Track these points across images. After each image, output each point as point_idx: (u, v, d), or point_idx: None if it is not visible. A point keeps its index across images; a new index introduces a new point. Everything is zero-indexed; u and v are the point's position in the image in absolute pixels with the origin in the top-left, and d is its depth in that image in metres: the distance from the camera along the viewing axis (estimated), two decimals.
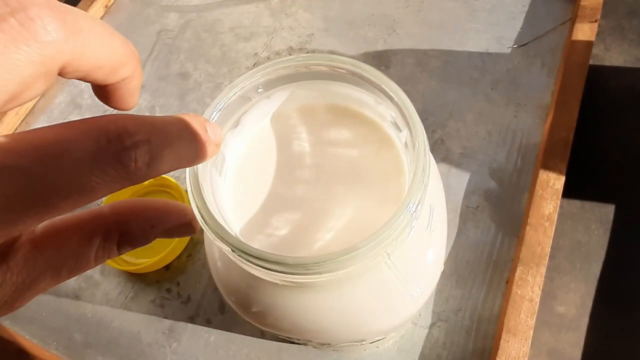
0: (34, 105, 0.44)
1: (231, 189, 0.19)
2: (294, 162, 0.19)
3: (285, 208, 0.18)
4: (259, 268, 0.14)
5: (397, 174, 0.18)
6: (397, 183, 0.18)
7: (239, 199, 0.19)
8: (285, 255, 0.14)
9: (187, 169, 0.16)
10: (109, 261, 0.34)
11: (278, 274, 0.14)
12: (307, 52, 0.44)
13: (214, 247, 0.19)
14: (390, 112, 0.17)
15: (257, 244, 0.17)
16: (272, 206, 0.18)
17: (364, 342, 0.20)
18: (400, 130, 0.17)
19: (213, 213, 0.15)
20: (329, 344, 0.20)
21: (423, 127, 0.15)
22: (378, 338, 0.20)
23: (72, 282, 0.36)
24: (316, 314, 0.17)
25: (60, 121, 0.44)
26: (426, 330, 0.31)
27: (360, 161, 0.18)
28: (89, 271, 0.36)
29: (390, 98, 0.16)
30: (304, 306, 0.16)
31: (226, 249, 0.14)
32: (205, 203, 0.15)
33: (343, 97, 0.19)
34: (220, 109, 0.17)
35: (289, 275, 0.14)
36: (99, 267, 0.36)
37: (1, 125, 0.42)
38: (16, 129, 0.43)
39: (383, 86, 0.16)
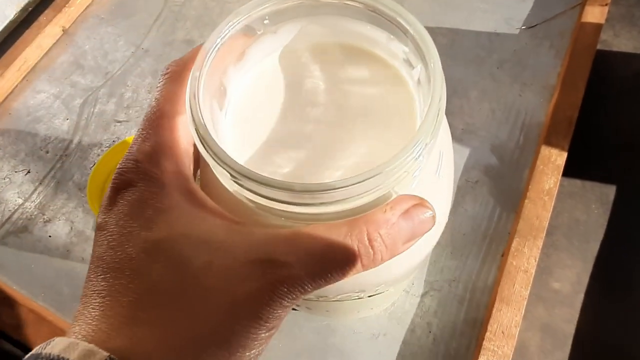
0: (36, 64, 0.44)
1: (232, 125, 0.19)
2: (300, 100, 0.18)
3: (292, 146, 0.17)
4: (261, 198, 0.14)
5: (409, 113, 0.17)
6: (409, 122, 0.17)
7: (241, 136, 0.18)
8: (292, 181, 0.13)
9: (187, 96, 0.15)
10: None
11: (283, 204, 0.14)
12: None
13: (214, 191, 0.18)
14: (403, 47, 0.17)
15: None
16: (278, 143, 0.18)
17: (362, 294, 0.19)
18: (413, 67, 0.16)
19: (212, 136, 0.14)
20: (325, 296, 0.19)
21: (440, 62, 0.15)
22: (378, 291, 0.19)
23: (63, 237, 0.35)
24: None
25: (62, 80, 0.44)
26: (418, 299, 0.31)
27: (370, 100, 0.18)
28: (80, 226, 0.36)
29: (406, 31, 0.15)
30: None
31: (226, 174, 0.14)
32: (204, 124, 0.14)
33: (354, 35, 0.18)
34: (223, 38, 0.17)
35: (295, 207, 0.14)
36: (90, 222, 0.36)
37: (2, 79, 0.42)
38: (16, 86, 0.43)
39: (399, 19, 0.15)
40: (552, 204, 0.31)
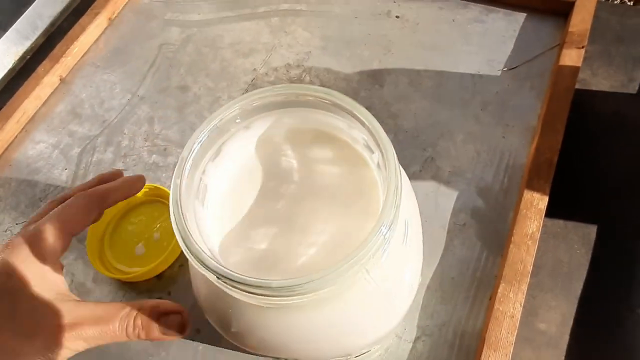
0: (35, 114, 0.45)
1: (214, 213, 0.20)
2: (275, 181, 0.20)
3: (267, 222, 0.19)
4: (243, 293, 0.15)
5: (372, 191, 0.19)
6: (373, 199, 0.18)
7: (220, 219, 0.20)
8: (269, 279, 0.14)
9: (170, 204, 0.17)
10: (101, 269, 0.35)
11: (262, 297, 0.15)
12: (304, 70, 0.45)
13: (199, 283, 0.20)
14: (362, 135, 0.18)
15: (237, 257, 0.18)
16: (255, 221, 0.19)
17: (349, 358, 0.21)
18: (373, 152, 0.18)
19: (197, 241, 0.15)
20: None
21: (393, 149, 0.16)
22: (363, 351, 0.20)
23: None
24: (300, 333, 0.17)
25: (59, 130, 0.45)
26: (410, 344, 0.32)
27: (338, 180, 0.19)
28: (81, 279, 0.37)
29: (362, 123, 0.17)
30: (288, 326, 0.17)
31: (211, 277, 0.15)
32: (188, 233, 0.16)
33: (321, 123, 0.20)
34: (201, 142, 0.18)
35: (272, 298, 0.15)
36: (90, 274, 0.37)
37: (2, 132, 0.43)
38: (16, 137, 0.44)
39: (355, 112, 0.17)
40: (535, 248, 0.32)
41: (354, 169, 0.19)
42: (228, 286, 0.15)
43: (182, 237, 0.16)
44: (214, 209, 0.20)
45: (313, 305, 0.16)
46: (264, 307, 0.16)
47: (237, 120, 0.19)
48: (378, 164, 0.18)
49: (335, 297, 0.16)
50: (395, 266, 0.17)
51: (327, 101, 0.17)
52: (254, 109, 0.19)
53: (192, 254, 0.15)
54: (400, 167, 0.18)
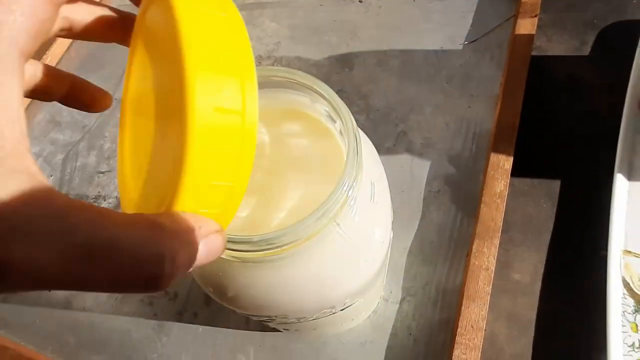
0: None
1: None
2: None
3: (246, 194, 0.20)
4: (229, 251, 0.17)
5: (338, 158, 0.21)
6: (338, 165, 0.20)
7: None
8: (250, 235, 0.16)
9: None
10: None
11: (246, 253, 0.17)
12: (275, 60, 0.47)
13: None
14: (324, 107, 0.20)
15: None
16: None
17: (334, 310, 0.22)
18: (335, 122, 0.20)
19: None
20: (304, 317, 0.22)
21: (351, 115, 0.18)
22: (347, 304, 0.22)
23: (63, 292, 0.37)
24: (284, 287, 0.19)
25: (41, 139, 0.46)
26: (397, 306, 0.34)
27: (307, 151, 0.21)
28: None
29: (322, 95, 0.19)
30: (272, 281, 0.19)
31: None
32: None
33: (286, 101, 0.22)
34: None
35: (255, 253, 0.17)
36: None
37: None
38: None
39: (314, 87, 0.19)
40: (504, 205, 0.34)
41: (320, 140, 0.21)
42: None
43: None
44: None
45: (292, 259, 0.17)
46: (249, 265, 0.18)
47: None
48: (340, 131, 0.20)
49: (312, 250, 0.18)
50: (364, 222, 0.19)
51: (290, 80, 0.19)
52: None
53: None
54: (361, 132, 0.20)
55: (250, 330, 0.35)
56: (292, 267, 0.18)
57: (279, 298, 0.19)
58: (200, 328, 0.35)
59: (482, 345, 0.32)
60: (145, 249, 0.12)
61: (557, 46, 0.44)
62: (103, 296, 0.37)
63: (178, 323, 0.35)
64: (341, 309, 0.22)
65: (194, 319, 0.35)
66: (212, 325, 0.35)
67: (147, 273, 0.12)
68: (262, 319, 0.22)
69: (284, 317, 0.21)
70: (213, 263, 0.19)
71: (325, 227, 0.17)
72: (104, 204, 0.41)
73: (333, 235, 0.18)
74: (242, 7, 0.50)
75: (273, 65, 0.46)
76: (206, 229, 0.13)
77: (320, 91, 0.18)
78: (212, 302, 0.36)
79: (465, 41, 0.45)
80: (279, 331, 0.34)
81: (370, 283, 0.22)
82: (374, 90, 0.44)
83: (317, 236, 0.17)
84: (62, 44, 0.49)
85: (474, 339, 0.30)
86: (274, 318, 0.21)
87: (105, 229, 0.11)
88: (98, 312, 0.36)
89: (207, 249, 0.13)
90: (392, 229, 0.23)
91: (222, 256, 0.18)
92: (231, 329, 0.35)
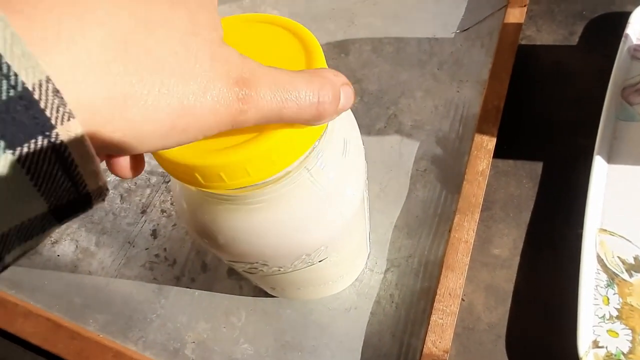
0: None
1: None
2: None
3: None
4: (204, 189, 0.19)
5: None
6: None
7: None
8: None
9: None
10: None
11: (229, 198, 0.19)
12: None
13: (182, 199, 0.23)
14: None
15: None
16: None
17: (312, 261, 0.24)
18: None
19: None
20: (284, 265, 0.24)
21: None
22: (322, 256, 0.24)
23: (70, 255, 0.40)
24: (261, 229, 0.20)
25: None
26: (381, 275, 0.36)
27: None
28: (84, 243, 0.40)
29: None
30: (252, 225, 0.20)
31: (193, 188, 0.19)
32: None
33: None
34: None
35: (237, 197, 0.19)
36: (93, 240, 0.40)
37: None
38: None
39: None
40: (485, 183, 0.36)
41: None
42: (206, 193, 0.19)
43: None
44: None
45: (268, 203, 0.19)
46: (232, 209, 0.20)
47: None
48: None
49: (287, 196, 0.19)
50: (336, 174, 0.21)
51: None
52: None
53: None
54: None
55: (244, 296, 0.37)
56: (268, 210, 0.20)
57: (257, 242, 0.21)
58: (197, 292, 0.37)
59: (461, 315, 0.34)
60: (315, 87, 0.15)
61: (546, 36, 0.46)
62: (108, 260, 0.39)
63: (176, 287, 0.37)
64: (318, 260, 0.24)
65: (191, 284, 0.37)
66: (207, 290, 0.37)
67: (319, 107, 0.15)
68: (246, 269, 0.24)
69: (264, 265, 0.23)
70: (203, 211, 0.21)
71: (297, 172, 0.19)
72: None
73: (304, 181, 0.20)
74: None
75: None
76: (340, 80, 0.16)
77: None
78: (208, 269, 0.38)
79: (457, 29, 0.46)
80: (271, 297, 0.36)
81: (342, 237, 0.24)
82: (368, 75, 0.45)
83: (288, 179, 0.19)
84: None
85: (451, 305, 0.32)
86: (255, 265, 0.23)
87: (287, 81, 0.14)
88: (103, 275, 0.39)
89: (346, 95, 0.16)
90: (367, 194, 0.25)
91: (197, 191, 0.20)
92: (225, 294, 0.37)
